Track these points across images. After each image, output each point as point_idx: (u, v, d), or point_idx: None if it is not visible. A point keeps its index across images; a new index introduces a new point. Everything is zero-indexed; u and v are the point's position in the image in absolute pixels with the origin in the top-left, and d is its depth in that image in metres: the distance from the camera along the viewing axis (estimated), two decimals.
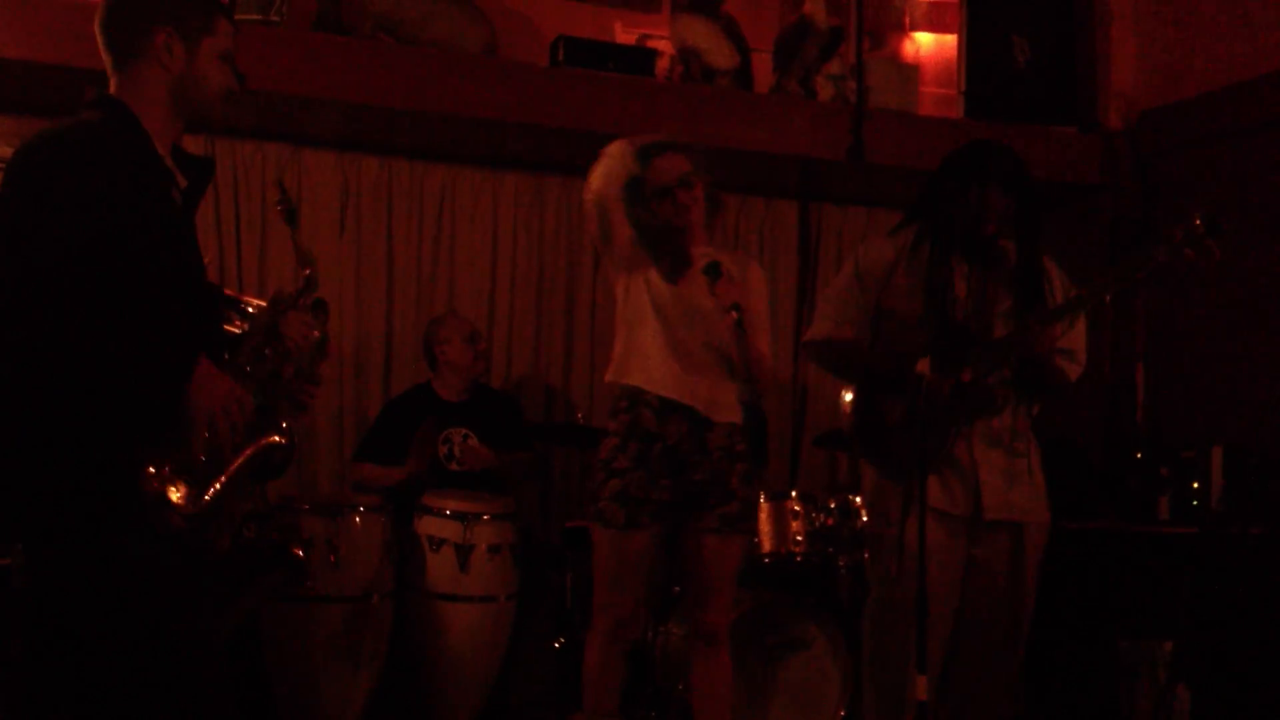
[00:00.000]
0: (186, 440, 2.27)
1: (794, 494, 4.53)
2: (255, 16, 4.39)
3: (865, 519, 3.72)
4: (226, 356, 2.43)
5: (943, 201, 3.39)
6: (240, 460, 2.34)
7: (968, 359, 3.26)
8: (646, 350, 3.51)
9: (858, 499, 4.40)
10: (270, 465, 2.45)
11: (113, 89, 2.39)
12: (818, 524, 4.47)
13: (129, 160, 2.28)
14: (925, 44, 5.62)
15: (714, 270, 3.37)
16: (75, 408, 2.18)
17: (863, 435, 3.53)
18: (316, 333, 2.55)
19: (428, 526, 4.34)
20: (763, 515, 4.43)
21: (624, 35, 5.25)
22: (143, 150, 2.34)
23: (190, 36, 2.39)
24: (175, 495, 2.26)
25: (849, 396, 3.59)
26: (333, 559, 4.08)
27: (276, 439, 2.40)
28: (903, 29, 5.62)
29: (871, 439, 3.49)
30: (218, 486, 2.32)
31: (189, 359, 2.26)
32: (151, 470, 2.24)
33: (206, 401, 2.24)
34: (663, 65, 5.05)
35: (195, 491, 2.28)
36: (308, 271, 2.62)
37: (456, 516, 4.31)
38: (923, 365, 3.21)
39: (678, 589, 4.21)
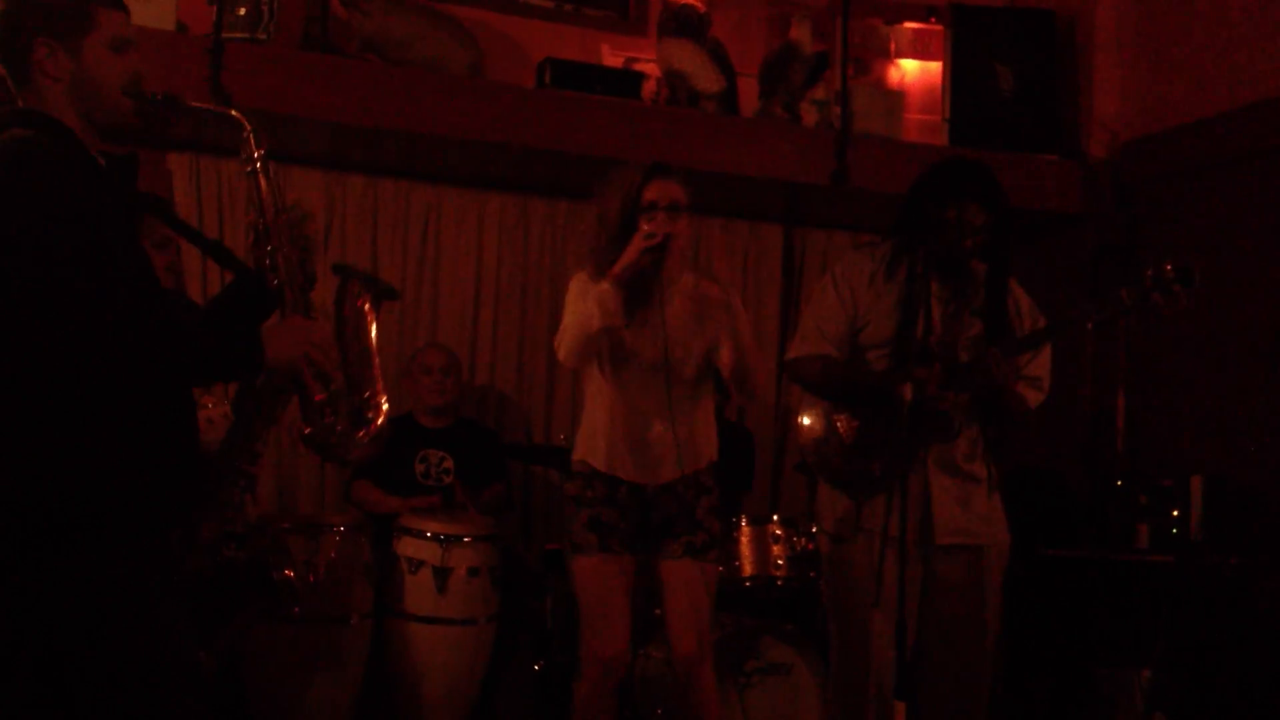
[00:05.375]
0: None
1: (775, 518, 4.53)
2: (242, 35, 4.39)
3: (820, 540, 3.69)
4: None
5: (922, 220, 3.39)
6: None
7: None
8: (595, 428, 3.54)
9: None
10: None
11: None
12: (799, 548, 4.47)
13: (79, 168, 2.23)
14: (910, 71, 5.65)
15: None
16: (51, 426, 2.17)
17: (819, 455, 3.53)
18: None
19: (406, 548, 4.32)
20: (744, 539, 4.44)
21: (611, 58, 5.26)
22: (84, 156, 2.27)
23: (69, 38, 2.28)
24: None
25: (806, 420, 3.57)
26: (312, 579, 4.06)
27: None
28: (888, 56, 5.65)
29: (827, 459, 3.50)
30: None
31: (161, 361, 2.27)
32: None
33: (290, 350, 2.33)
34: (649, 88, 5.07)
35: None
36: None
37: (435, 538, 4.29)
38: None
39: (659, 611, 4.20)
